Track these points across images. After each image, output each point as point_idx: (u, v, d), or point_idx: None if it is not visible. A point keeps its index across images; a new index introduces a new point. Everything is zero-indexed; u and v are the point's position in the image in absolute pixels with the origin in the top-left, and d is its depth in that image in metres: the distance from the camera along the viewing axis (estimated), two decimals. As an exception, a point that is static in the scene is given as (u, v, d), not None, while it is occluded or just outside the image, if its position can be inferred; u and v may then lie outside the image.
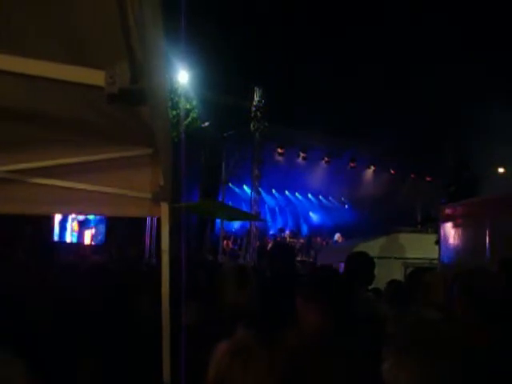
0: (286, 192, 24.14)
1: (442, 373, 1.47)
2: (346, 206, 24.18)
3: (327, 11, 16.78)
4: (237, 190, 21.62)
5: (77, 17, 1.29)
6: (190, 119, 15.82)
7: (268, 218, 22.26)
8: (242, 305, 2.60)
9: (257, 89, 18.33)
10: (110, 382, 2.89)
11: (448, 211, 7.51)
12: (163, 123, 1.96)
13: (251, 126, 18.50)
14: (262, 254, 16.38)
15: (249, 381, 1.27)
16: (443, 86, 16.30)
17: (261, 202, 19.97)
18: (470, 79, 15.18)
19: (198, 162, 17.79)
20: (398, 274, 7.71)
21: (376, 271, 3.86)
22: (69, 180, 2.76)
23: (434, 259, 8.02)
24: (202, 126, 16.63)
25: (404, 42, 16.52)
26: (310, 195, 24.84)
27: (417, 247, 9.26)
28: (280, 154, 21.38)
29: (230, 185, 19.95)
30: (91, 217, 14.22)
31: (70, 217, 13.71)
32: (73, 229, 14.42)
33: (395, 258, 9.10)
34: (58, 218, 13.70)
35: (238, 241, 19.34)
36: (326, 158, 22.75)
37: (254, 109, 18.41)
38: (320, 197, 25.01)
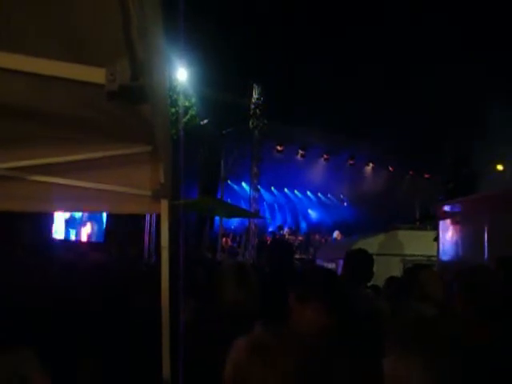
0: (285, 189, 24.17)
1: (442, 369, 1.47)
2: (345, 204, 24.18)
3: (327, 10, 16.75)
4: (236, 187, 21.62)
5: (77, 16, 1.29)
6: (188, 117, 15.81)
7: (267, 215, 22.27)
8: (240, 303, 2.59)
9: (256, 86, 18.32)
10: (109, 382, 2.90)
11: (446, 208, 7.51)
12: (163, 120, 1.96)
13: (250, 123, 18.50)
14: (261, 252, 16.37)
15: (271, 378, 1.26)
16: (442, 85, 16.31)
17: (260, 199, 19.99)
18: (470, 78, 15.20)
19: (197, 160, 17.76)
20: (397, 271, 7.71)
21: (375, 268, 3.87)
22: (69, 177, 2.75)
23: (432, 256, 8.03)
24: (201, 123, 16.63)
25: (404, 41, 16.51)
26: (308, 192, 24.85)
27: (415, 244, 9.26)
28: (279, 152, 21.39)
29: (229, 182, 19.93)
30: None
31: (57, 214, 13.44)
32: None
33: (394, 255, 9.10)
34: (56, 215, 13.60)
35: (237, 238, 19.34)
36: (325, 156, 22.77)
37: (252, 106, 18.42)
38: (319, 194, 25.03)
